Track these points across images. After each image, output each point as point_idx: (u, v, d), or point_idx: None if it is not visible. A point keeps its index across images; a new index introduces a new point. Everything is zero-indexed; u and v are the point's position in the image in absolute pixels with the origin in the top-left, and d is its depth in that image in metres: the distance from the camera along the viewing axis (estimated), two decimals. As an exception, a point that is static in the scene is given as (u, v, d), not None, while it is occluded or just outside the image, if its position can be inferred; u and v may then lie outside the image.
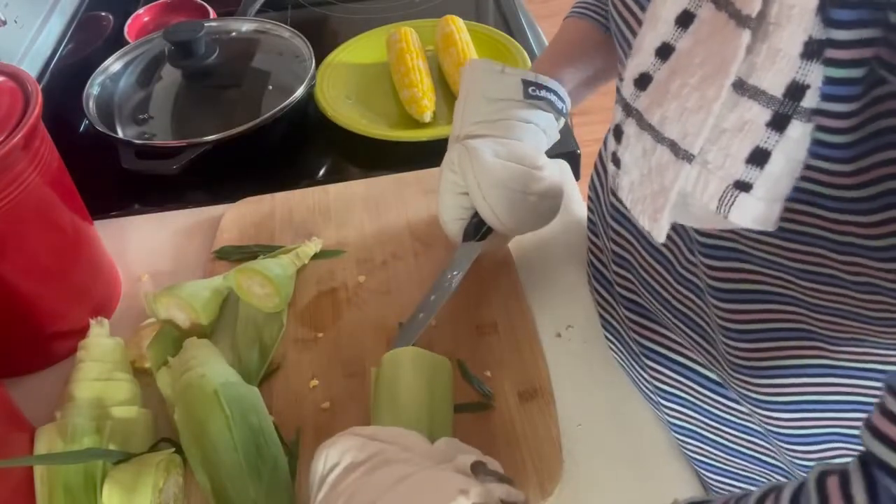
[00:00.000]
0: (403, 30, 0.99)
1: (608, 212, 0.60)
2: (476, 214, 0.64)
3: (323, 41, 1.05)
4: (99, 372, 0.62)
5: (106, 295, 0.73)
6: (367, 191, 0.82)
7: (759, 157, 0.34)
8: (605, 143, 0.62)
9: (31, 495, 0.55)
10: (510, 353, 0.65)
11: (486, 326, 0.67)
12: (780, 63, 0.33)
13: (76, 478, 0.55)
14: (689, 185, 0.37)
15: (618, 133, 0.42)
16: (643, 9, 0.44)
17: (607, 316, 0.65)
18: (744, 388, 0.50)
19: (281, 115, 0.88)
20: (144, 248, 0.79)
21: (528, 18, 1.13)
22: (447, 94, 0.96)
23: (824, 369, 0.47)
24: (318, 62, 0.98)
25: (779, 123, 0.34)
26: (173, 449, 0.58)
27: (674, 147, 0.37)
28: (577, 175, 0.85)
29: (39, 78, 0.98)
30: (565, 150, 0.87)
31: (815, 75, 0.32)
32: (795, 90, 0.33)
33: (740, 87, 0.34)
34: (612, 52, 0.65)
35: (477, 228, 0.65)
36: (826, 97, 0.33)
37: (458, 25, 0.99)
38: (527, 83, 0.61)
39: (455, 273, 0.64)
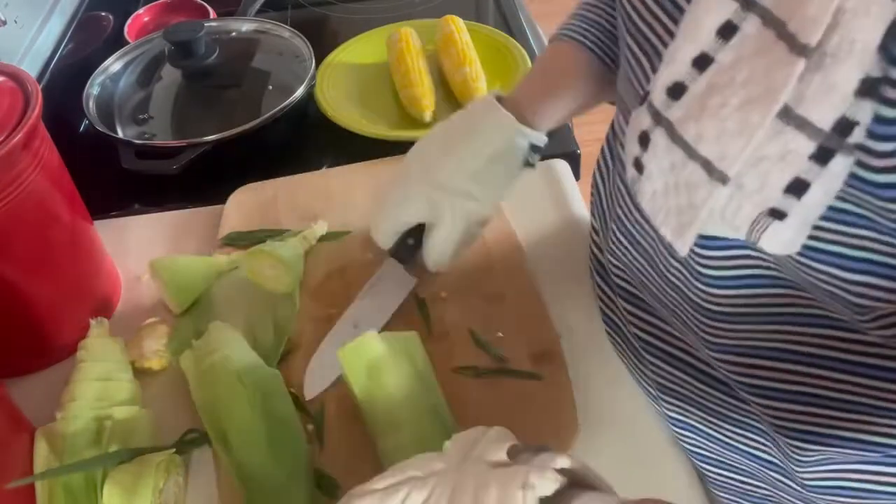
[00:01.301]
0: (403, 30, 0.99)
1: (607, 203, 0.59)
2: (410, 235, 0.66)
3: (323, 41, 1.05)
4: (99, 372, 0.62)
5: (106, 295, 0.73)
6: (367, 173, 0.83)
7: (797, 188, 0.34)
8: (607, 139, 0.62)
9: (32, 496, 0.55)
10: (520, 319, 0.67)
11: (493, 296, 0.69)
12: (833, 97, 0.32)
13: (76, 478, 0.55)
14: (720, 206, 0.37)
15: (643, 139, 0.41)
16: (667, 13, 0.43)
17: (607, 310, 0.65)
18: (736, 375, 0.50)
19: (281, 115, 0.88)
20: (144, 248, 0.79)
21: (528, 18, 1.13)
22: (447, 94, 0.96)
23: (832, 361, 0.46)
24: (318, 62, 0.98)
25: (823, 157, 0.33)
26: (174, 449, 0.58)
27: (708, 166, 0.37)
28: (577, 175, 0.85)
29: (39, 78, 0.98)
30: (565, 150, 0.87)
31: (865, 113, 0.31)
32: (845, 126, 0.32)
33: (786, 115, 0.33)
34: (599, 81, 0.62)
35: (409, 251, 0.67)
36: (870, 135, 0.32)
37: (458, 25, 0.98)
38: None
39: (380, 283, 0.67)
